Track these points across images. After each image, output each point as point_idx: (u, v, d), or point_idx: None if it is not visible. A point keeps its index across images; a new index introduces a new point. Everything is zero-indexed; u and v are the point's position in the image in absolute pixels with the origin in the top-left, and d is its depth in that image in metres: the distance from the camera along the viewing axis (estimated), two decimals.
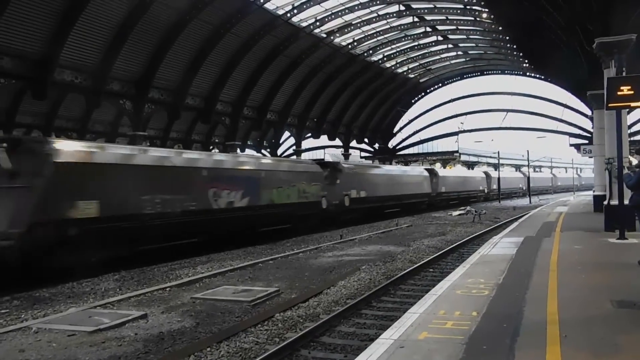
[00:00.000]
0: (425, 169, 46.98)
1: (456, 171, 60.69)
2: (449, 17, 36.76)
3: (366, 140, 56.20)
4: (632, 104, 12.77)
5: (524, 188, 69.42)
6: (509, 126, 53.44)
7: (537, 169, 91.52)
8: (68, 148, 14.45)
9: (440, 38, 42.56)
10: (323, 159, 46.47)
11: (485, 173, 64.75)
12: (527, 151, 63.84)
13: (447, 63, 50.88)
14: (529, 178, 65.77)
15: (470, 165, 71.46)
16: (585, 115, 45.23)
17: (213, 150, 42.29)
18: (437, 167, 59.25)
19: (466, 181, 56.94)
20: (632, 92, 11.69)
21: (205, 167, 19.07)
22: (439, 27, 39.93)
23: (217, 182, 19.12)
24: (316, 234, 24.16)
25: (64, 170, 13.58)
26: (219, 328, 8.65)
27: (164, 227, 16.43)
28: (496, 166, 66.69)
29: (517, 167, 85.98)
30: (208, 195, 18.69)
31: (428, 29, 40.14)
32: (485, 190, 61.10)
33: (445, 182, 48.06)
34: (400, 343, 5.38)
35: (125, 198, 15.29)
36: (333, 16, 33.78)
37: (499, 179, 60.39)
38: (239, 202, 20.26)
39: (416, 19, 37.52)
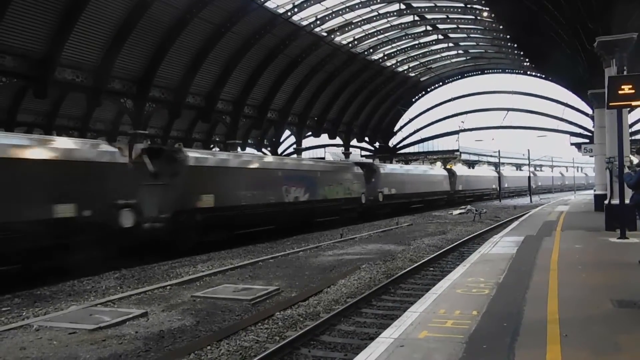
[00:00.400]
0: (445, 169, 52.29)
1: (472, 171, 63.39)
2: (450, 16, 36.78)
3: (366, 139, 56.22)
4: (633, 103, 12.73)
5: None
6: (509, 125, 53.48)
7: (538, 168, 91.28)
8: (194, 155, 19.52)
9: (440, 37, 42.58)
10: (323, 158, 46.78)
11: (499, 173, 66.28)
12: (528, 150, 63.88)
13: (448, 62, 50.90)
14: (529, 178, 65.67)
15: (470, 164, 71.38)
16: (586, 114, 45.25)
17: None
18: (438, 166, 59.27)
19: (480, 180, 60.06)
20: (633, 91, 11.65)
21: (279, 169, 24.13)
22: (440, 26, 39.92)
23: (288, 181, 23.69)
24: (316, 232, 24.18)
25: (193, 172, 18.32)
26: (219, 326, 8.66)
27: (252, 216, 20.95)
28: (497, 165, 66.75)
29: (518, 166, 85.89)
30: (282, 191, 23.17)
31: (428, 28, 40.15)
32: (498, 189, 62.53)
33: (462, 181, 52.36)
34: (400, 342, 5.38)
35: (229, 192, 19.88)
36: (333, 15, 33.79)
37: (499, 178, 60.43)
38: (302, 197, 24.76)
39: (417, 18, 37.54)
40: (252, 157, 26.42)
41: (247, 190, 20.89)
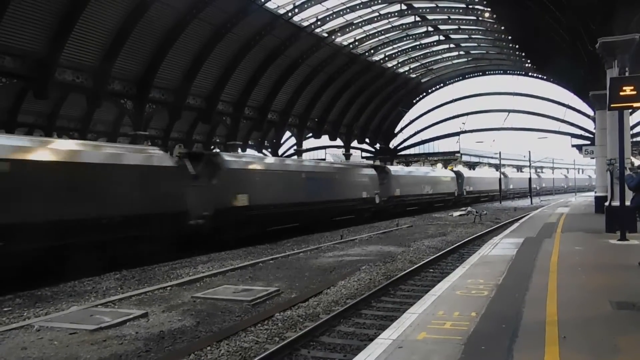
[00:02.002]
0: (453, 171, 52.98)
1: (478, 173, 64.63)
2: (451, 17, 36.73)
3: (367, 140, 56.16)
4: (635, 105, 12.74)
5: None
6: (510, 126, 53.41)
7: (539, 170, 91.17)
8: (230, 158, 21.63)
9: (442, 38, 42.52)
10: (324, 159, 46.90)
11: (503, 174, 66.43)
12: (529, 152, 63.83)
13: (449, 63, 50.84)
14: (530, 179, 65.66)
15: (471, 165, 71.37)
16: (588, 116, 45.20)
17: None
18: (439, 167, 59.28)
19: (486, 181, 60.98)
20: (634, 92, 11.63)
21: (302, 171, 25.96)
22: (441, 27, 39.90)
23: (309, 182, 25.37)
24: (316, 233, 24.18)
25: (231, 174, 20.46)
26: (219, 327, 8.68)
27: (280, 214, 22.89)
28: (497, 167, 66.59)
29: (519, 168, 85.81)
30: (304, 191, 24.80)
31: (430, 29, 40.13)
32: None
33: (469, 182, 53.84)
34: (398, 343, 5.39)
35: (261, 193, 21.57)
36: (334, 15, 33.77)
37: (500, 179, 60.25)
38: (321, 197, 26.23)
39: (418, 19, 37.50)
40: (279, 160, 29.97)
41: (275, 190, 22.76)
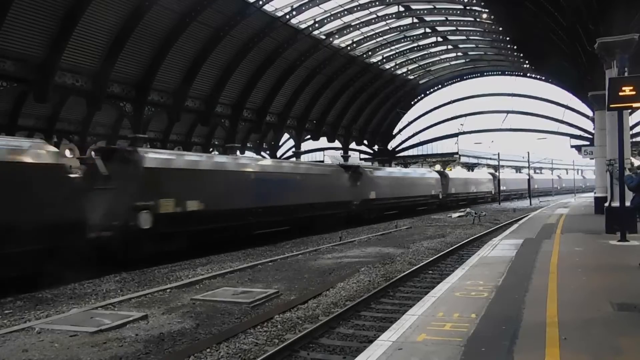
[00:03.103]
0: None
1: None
2: (449, 18, 36.79)
3: (365, 142, 56.23)
4: (634, 105, 12.74)
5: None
6: (509, 127, 53.48)
7: (537, 171, 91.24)
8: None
9: (439, 39, 42.60)
10: (322, 161, 46.67)
11: (493, 175, 64.16)
12: (528, 152, 63.85)
13: (447, 64, 50.92)
14: (529, 180, 65.66)
15: (470, 167, 71.36)
16: (587, 116, 45.29)
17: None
18: (438, 167, 59.25)
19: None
20: (634, 92, 11.62)
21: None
22: (439, 28, 40.00)
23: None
24: (315, 235, 24.16)
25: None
26: (218, 329, 8.66)
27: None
28: (496, 168, 66.51)
29: (518, 169, 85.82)
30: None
31: (427, 30, 40.19)
32: (493, 192, 61.10)
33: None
34: (398, 345, 5.38)
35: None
36: (332, 18, 33.84)
37: (498, 180, 60.20)
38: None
39: (415, 20, 37.57)
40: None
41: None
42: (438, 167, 61.18)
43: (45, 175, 12.83)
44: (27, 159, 12.65)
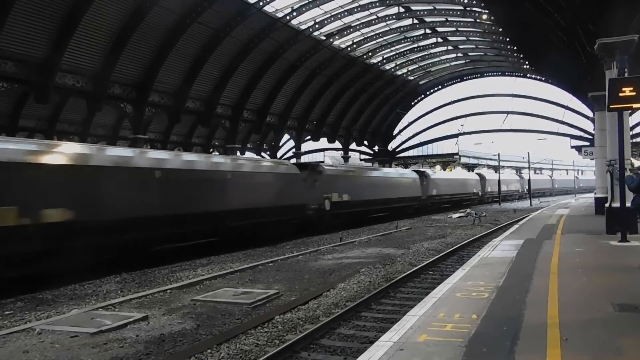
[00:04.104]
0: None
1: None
2: (449, 19, 36.81)
3: (366, 142, 56.24)
4: (634, 105, 12.71)
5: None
6: (509, 128, 53.46)
7: (537, 172, 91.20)
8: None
9: (440, 40, 42.61)
10: (322, 162, 46.40)
11: (480, 175, 60.71)
12: (528, 153, 63.82)
13: (447, 65, 50.94)
14: (529, 180, 65.62)
15: (470, 167, 71.35)
16: (587, 117, 45.29)
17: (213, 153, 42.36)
18: (438, 168, 59.16)
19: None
20: (634, 93, 11.62)
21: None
22: (439, 29, 40.00)
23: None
24: (315, 236, 24.15)
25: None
26: (219, 330, 8.66)
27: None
28: (496, 168, 66.39)
29: (518, 169, 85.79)
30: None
31: (428, 31, 40.20)
32: (480, 193, 58.44)
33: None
34: (399, 345, 5.38)
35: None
36: (332, 19, 33.86)
37: (499, 181, 60.08)
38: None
39: (416, 21, 37.58)
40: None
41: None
42: (420, 166, 60.07)
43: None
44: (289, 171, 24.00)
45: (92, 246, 13.74)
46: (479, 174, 60.30)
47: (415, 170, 44.39)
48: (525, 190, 66.75)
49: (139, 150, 18.87)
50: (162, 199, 16.40)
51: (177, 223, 16.86)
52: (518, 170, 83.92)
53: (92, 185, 14.18)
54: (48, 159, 13.39)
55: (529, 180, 65.51)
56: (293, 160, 39.79)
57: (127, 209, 15.01)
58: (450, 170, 60.28)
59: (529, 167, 67.81)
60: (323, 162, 50.06)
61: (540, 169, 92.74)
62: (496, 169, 64.94)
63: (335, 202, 27.95)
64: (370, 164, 55.09)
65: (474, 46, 46.13)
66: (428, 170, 47.43)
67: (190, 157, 21.01)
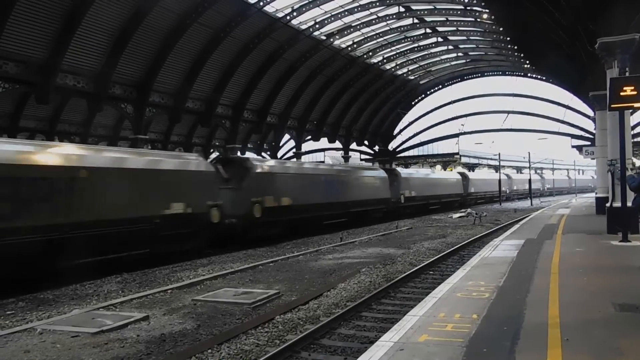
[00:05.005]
0: (459, 173, 51.89)
1: (481, 174, 61.74)
2: (449, 18, 36.77)
3: (366, 142, 56.18)
4: (635, 105, 12.70)
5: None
6: (510, 128, 53.40)
7: (537, 171, 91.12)
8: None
9: (440, 39, 42.57)
10: (322, 161, 46.25)
11: (463, 175, 57.24)
12: (529, 153, 63.80)
13: (448, 65, 50.89)
14: (530, 180, 65.56)
15: (470, 167, 71.34)
16: (588, 117, 45.24)
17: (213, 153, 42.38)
18: (438, 168, 59.14)
19: (489, 183, 58.46)
20: (635, 92, 11.60)
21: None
22: (439, 29, 39.96)
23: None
24: (316, 236, 24.14)
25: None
26: (219, 330, 8.67)
27: None
28: (497, 168, 66.33)
29: (518, 169, 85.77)
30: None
31: (428, 31, 40.16)
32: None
33: (474, 183, 51.00)
34: (400, 346, 5.38)
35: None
36: (332, 18, 33.82)
37: (499, 181, 59.98)
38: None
39: (416, 21, 37.53)
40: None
41: None
42: (421, 166, 60.18)
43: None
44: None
45: (301, 218, 24.39)
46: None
47: (384, 168, 38.89)
48: (510, 190, 66.68)
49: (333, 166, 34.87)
50: (332, 192, 27.09)
51: (333, 207, 26.86)
52: (519, 170, 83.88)
53: (304, 185, 24.92)
54: (307, 172, 27.82)
55: (530, 180, 65.45)
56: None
57: (318, 198, 25.98)
58: (433, 169, 59.18)
59: (529, 167, 67.78)
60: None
61: (541, 169, 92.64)
62: (496, 168, 64.78)
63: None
64: (370, 164, 55.00)
65: (474, 46, 46.09)
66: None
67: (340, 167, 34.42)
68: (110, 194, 14.65)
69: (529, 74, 49.25)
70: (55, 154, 14.10)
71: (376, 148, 57.57)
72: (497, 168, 64.97)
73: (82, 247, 13.45)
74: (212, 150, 44.45)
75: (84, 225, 13.68)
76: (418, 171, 48.72)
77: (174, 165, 18.03)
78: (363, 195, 30.96)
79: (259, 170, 22.53)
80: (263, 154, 50.38)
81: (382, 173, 35.88)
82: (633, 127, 38.04)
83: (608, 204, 15.92)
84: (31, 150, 13.53)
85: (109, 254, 14.59)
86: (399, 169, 43.15)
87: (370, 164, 53.47)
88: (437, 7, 34.96)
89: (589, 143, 38.73)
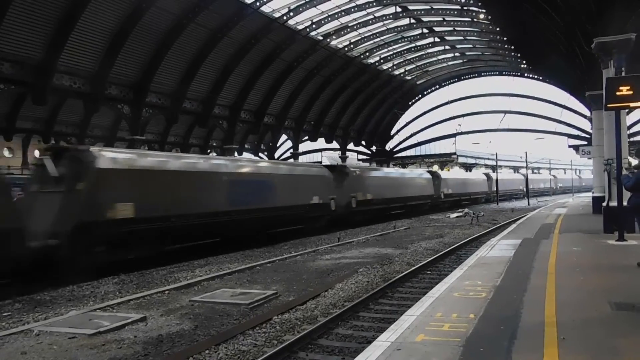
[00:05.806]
0: (428, 172, 44.21)
1: (456, 174, 57.94)
2: (446, 19, 36.87)
3: (363, 142, 56.28)
4: (632, 104, 12.71)
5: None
6: (507, 127, 53.54)
7: (535, 171, 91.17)
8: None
9: (437, 40, 42.69)
10: (320, 162, 46.07)
11: (434, 174, 55.76)
12: (526, 152, 63.78)
13: (444, 65, 51.01)
14: (527, 180, 65.48)
15: (468, 167, 71.33)
16: (584, 116, 45.36)
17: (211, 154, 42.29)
18: (436, 168, 59.06)
19: (467, 183, 54.45)
20: (631, 92, 11.64)
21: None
22: (436, 29, 40.06)
23: None
24: (314, 236, 24.14)
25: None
26: (217, 331, 8.65)
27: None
28: (494, 168, 66.25)
29: (515, 169, 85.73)
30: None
31: (425, 31, 40.25)
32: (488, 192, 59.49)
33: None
34: (397, 345, 5.38)
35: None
36: (329, 19, 33.89)
37: (497, 181, 59.86)
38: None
39: (413, 21, 37.64)
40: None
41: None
42: (418, 166, 60.11)
43: None
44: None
45: (378, 209, 32.45)
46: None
47: (327, 166, 31.59)
48: (490, 191, 63.14)
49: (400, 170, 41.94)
50: (395, 190, 34.94)
51: (396, 201, 34.31)
52: (516, 169, 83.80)
53: (380, 185, 32.87)
54: (381, 175, 36.11)
55: (526, 179, 65.36)
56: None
57: (388, 194, 33.60)
58: (403, 169, 53.71)
59: (526, 167, 67.80)
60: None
61: (538, 168, 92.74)
62: (494, 168, 64.71)
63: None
64: (368, 164, 54.98)
65: (471, 46, 46.20)
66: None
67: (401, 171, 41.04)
68: (287, 190, 23.39)
69: (525, 74, 49.41)
70: (261, 166, 24.60)
71: (373, 148, 57.67)
72: (494, 168, 64.94)
73: (277, 222, 22.70)
74: (209, 150, 44.41)
75: (279, 209, 22.58)
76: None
77: (312, 172, 27.45)
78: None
79: (354, 174, 31.04)
80: (260, 154, 50.40)
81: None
82: (629, 127, 38.12)
83: (604, 204, 15.95)
84: (261, 165, 25.52)
85: (287, 227, 23.75)
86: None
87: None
88: (434, 7, 35.07)
89: (585, 143, 38.82)
